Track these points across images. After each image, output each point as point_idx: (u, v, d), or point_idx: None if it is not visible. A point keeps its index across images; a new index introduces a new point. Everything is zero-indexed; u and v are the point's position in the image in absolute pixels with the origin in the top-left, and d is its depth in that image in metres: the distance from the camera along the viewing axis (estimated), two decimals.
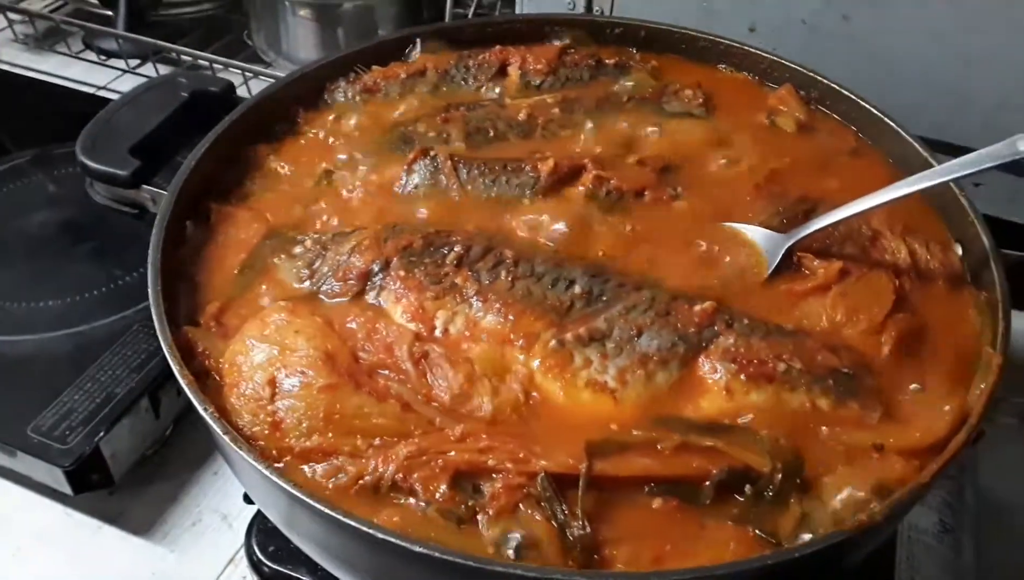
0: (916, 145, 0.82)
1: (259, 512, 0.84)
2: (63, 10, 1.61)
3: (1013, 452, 0.91)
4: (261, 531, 0.83)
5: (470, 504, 0.58)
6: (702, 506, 0.59)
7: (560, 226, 0.76)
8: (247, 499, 0.89)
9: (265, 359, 0.64)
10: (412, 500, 0.59)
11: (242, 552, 0.86)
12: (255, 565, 0.82)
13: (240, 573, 0.89)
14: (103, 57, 1.52)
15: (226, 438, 0.57)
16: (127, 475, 0.94)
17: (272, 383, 0.63)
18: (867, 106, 0.87)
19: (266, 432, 0.61)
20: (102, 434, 0.89)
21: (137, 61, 1.48)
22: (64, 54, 1.55)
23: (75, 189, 1.21)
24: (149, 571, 0.90)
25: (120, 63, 1.49)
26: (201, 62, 1.40)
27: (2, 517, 0.93)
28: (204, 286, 0.74)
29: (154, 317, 0.65)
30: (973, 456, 0.90)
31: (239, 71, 1.38)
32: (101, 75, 1.49)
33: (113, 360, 0.96)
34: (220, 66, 1.39)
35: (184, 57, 1.42)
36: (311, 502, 0.53)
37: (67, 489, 0.89)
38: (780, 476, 0.59)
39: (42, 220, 1.16)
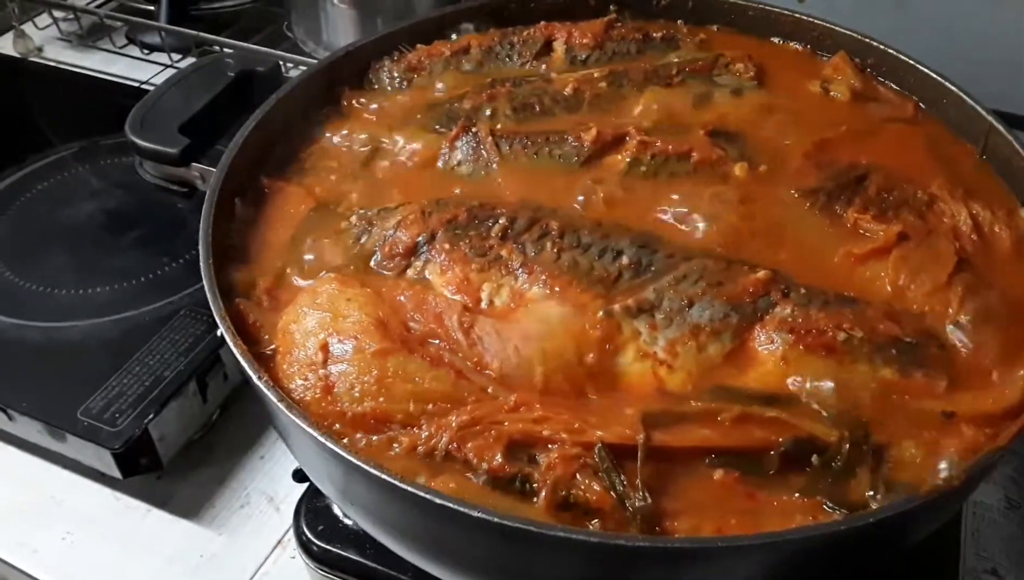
0: (977, 107, 0.79)
1: (307, 492, 0.83)
2: (107, 6, 1.63)
3: None
4: (310, 511, 0.82)
5: (526, 473, 0.57)
6: (766, 477, 0.57)
7: (605, 194, 0.75)
8: (296, 477, 0.89)
9: (317, 325, 0.63)
10: (467, 470, 0.58)
11: (290, 535, 0.86)
12: (304, 545, 0.81)
13: (288, 554, 0.89)
14: (146, 51, 1.53)
15: (281, 405, 0.56)
16: (175, 459, 0.94)
17: (325, 348, 0.62)
18: (924, 69, 0.85)
19: (317, 396, 0.61)
20: (151, 416, 0.89)
21: (179, 56, 1.49)
22: (108, 50, 1.56)
23: (120, 180, 1.23)
24: (197, 554, 0.90)
25: (163, 57, 1.50)
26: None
27: (52, 501, 0.94)
28: (255, 261, 0.73)
29: (206, 289, 0.65)
30: None
31: (282, 62, 1.38)
32: (145, 71, 1.51)
33: (161, 344, 0.97)
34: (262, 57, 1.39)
35: (226, 50, 1.42)
36: (367, 467, 0.52)
37: (116, 472, 0.89)
38: (848, 446, 0.57)
39: (88, 210, 1.18)
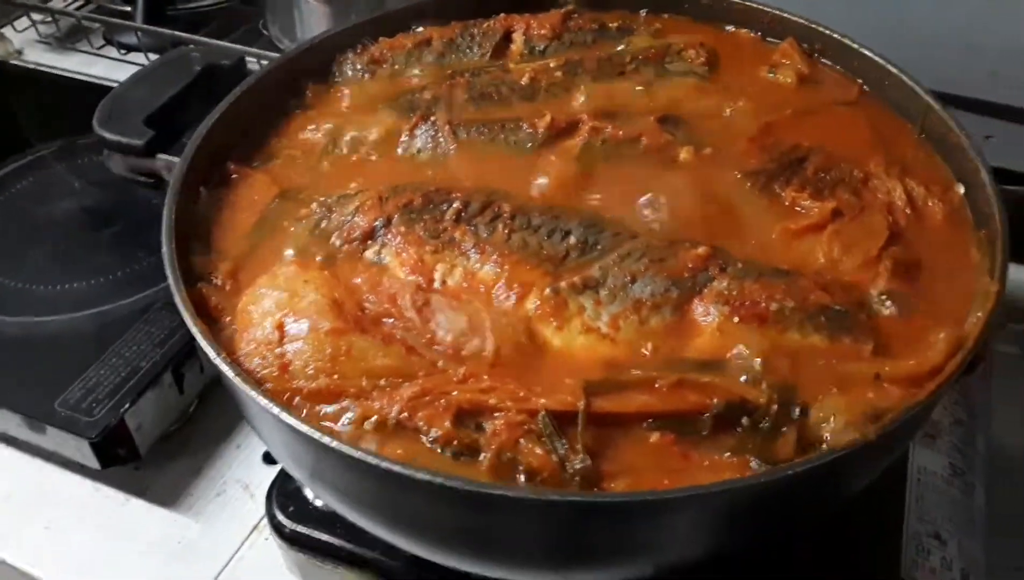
0: (916, 88, 0.82)
1: (278, 476, 0.86)
2: (84, 8, 1.65)
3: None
4: (281, 494, 0.84)
5: (473, 439, 0.59)
6: (700, 438, 0.60)
7: (557, 178, 0.77)
8: (266, 459, 0.91)
9: (274, 305, 0.66)
10: (416, 438, 0.60)
11: (264, 519, 0.87)
12: (276, 527, 0.83)
13: (263, 538, 0.91)
14: (123, 51, 1.55)
15: (237, 379, 0.59)
16: (152, 450, 0.96)
17: (281, 327, 0.65)
18: (867, 53, 0.87)
19: (275, 374, 0.63)
20: (127, 406, 0.91)
21: (156, 56, 1.51)
22: (86, 52, 1.58)
23: (97, 177, 1.25)
24: (176, 540, 0.92)
25: (140, 58, 1.52)
26: None
27: (33, 493, 0.96)
28: (218, 248, 0.76)
29: (168, 274, 0.67)
30: (986, 403, 0.89)
31: (255, 59, 1.40)
32: (122, 71, 1.51)
33: (137, 337, 0.99)
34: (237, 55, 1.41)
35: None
36: (311, 433, 0.55)
37: (94, 463, 0.91)
38: (776, 407, 0.59)
39: (67, 207, 1.20)
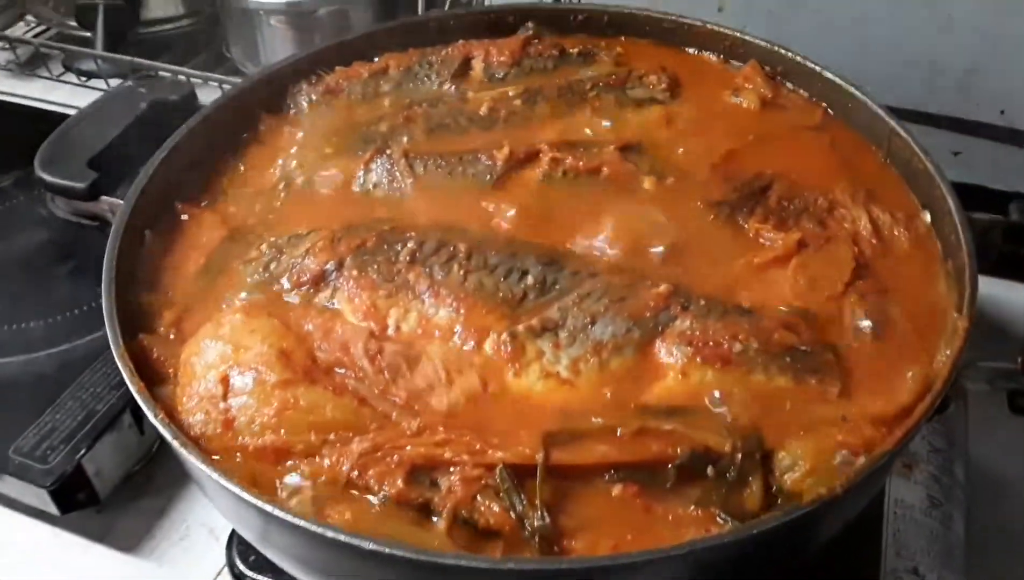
0: (879, 111, 0.80)
1: None
2: (44, 35, 1.62)
3: (1003, 426, 0.89)
4: (241, 541, 0.82)
5: (427, 498, 0.57)
6: (664, 490, 0.58)
7: (516, 212, 0.75)
8: None
9: (218, 357, 0.63)
10: (368, 497, 0.58)
11: None
12: (237, 576, 0.81)
13: None
14: (83, 78, 1.53)
15: (176, 442, 0.56)
16: (114, 493, 0.93)
17: (225, 381, 0.62)
18: (828, 75, 0.86)
19: (218, 431, 0.61)
20: (84, 452, 0.88)
21: (118, 81, 1.48)
22: (47, 78, 1.55)
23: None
24: None
25: (101, 83, 1.49)
26: (180, 77, 1.40)
27: None
28: (164, 293, 0.73)
29: (107, 326, 0.64)
30: (963, 430, 0.88)
31: (217, 84, 1.38)
32: (84, 97, 1.49)
33: (94, 378, 0.95)
34: (199, 80, 1.39)
35: (163, 73, 1.42)
36: (253, 500, 0.52)
37: (53, 509, 0.88)
38: (741, 455, 0.57)
39: (25, 241, 1.16)
